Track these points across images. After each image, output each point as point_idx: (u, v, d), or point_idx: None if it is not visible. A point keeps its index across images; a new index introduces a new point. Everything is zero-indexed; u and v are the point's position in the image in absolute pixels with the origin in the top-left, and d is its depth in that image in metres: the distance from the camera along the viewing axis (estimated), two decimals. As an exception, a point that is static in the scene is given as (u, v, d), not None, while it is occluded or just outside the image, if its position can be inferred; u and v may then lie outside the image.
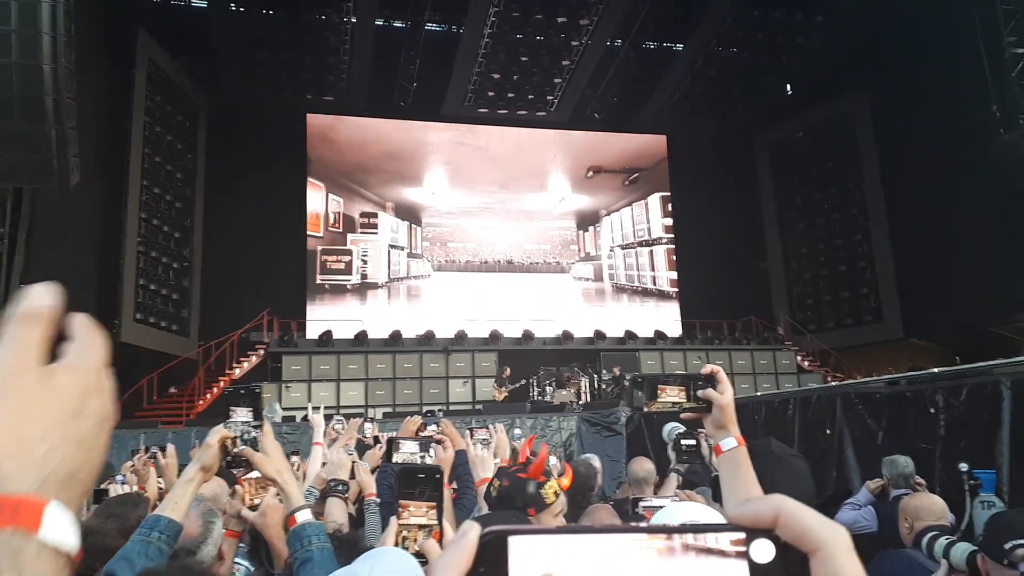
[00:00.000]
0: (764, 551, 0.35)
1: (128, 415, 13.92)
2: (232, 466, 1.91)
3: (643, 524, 0.37)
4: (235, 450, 1.86)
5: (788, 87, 21.50)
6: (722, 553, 0.36)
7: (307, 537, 1.77)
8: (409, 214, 20.19)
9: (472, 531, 0.36)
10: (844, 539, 0.35)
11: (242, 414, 1.91)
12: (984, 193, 15.60)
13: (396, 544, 1.48)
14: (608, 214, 21.64)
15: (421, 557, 1.42)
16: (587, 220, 21.51)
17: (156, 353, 15.68)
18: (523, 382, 15.60)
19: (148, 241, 15.69)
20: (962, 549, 2.72)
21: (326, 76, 18.02)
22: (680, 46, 19.32)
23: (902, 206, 18.44)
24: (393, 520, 1.51)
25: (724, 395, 1.72)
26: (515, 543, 0.36)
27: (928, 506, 3.47)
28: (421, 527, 1.51)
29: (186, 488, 1.85)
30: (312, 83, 18.33)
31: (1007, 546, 2.22)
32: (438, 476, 1.56)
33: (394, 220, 20.03)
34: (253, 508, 2.34)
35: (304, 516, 1.81)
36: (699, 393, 1.73)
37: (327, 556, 1.75)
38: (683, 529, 0.36)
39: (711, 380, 1.73)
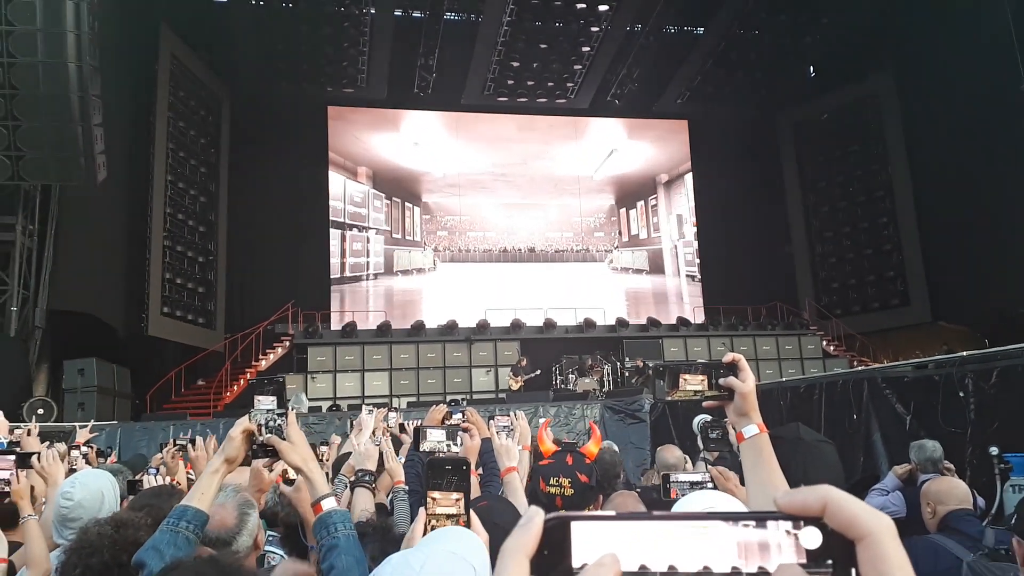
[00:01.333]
0: (812, 538, 0.36)
1: (157, 407, 14.15)
2: (258, 455, 1.93)
3: (697, 512, 0.39)
4: (260, 439, 1.89)
5: (811, 69, 21.21)
6: (772, 540, 0.37)
7: (333, 524, 1.79)
8: (418, 200, 20.24)
9: (537, 516, 0.38)
10: (890, 527, 0.36)
11: (266, 402, 1.93)
12: (1013, 174, 15.32)
13: (426, 534, 1.50)
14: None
15: None
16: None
17: (183, 346, 15.89)
18: (538, 372, 15.61)
19: (174, 235, 15.87)
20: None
21: (346, 68, 18.05)
22: (701, 30, 19.11)
23: (929, 188, 18.16)
24: (422, 511, 1.53)
25: (746, 383, 1.71)
26: (577, 528, 0.38)
27: (950, 490, 3.43)
28: (449, 517, 1.54)
29: (211, 479, 1.89)
30: (333, 75, 18.38)
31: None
32: (465, 467, 1.58)
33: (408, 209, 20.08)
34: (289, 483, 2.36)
35: (329, 504, 1.83)
36: (721, 381, 1.73)
37: (352, 543, 1.77)
38: (736, 516, 0.38)
39: (733, 368, 1.73)
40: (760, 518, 0.38)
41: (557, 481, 2.70)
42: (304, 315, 17.55)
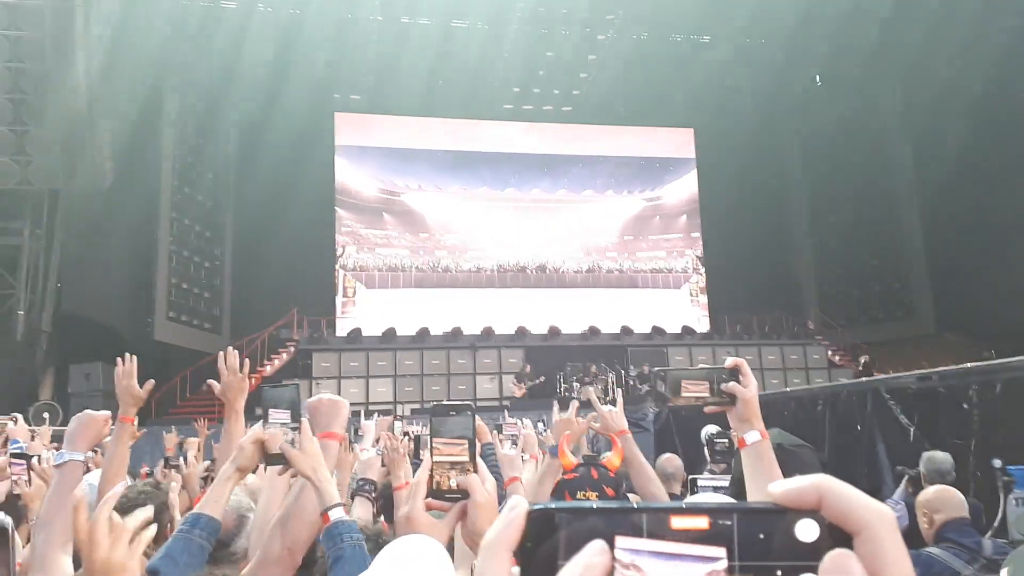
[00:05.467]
0: (809, 531, 0.35)
1: (163, 412, 14.17)
2: (271, 463, 1.94)
3: (686, 504, 0.38)
4: (271, 451, 1.90)
5: (817, 78, 21.21)
6: (767, 534, 0.36)
7: (339, 535, 1.78)
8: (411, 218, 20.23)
9: (521, 506, 0.37)
10: (889, 519, 0.35)
11: (280, 416, 1.94)
12: (1021, 182, 15.27)
13: (431, 484, 1.47)
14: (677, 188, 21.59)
15: (456, 492, 1.42)
16: (636, 204, 21.40)
17: (189, 351, 15.92)
18: (542, 379, 15.60)
19: (180, 240, 15.93)
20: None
21: (354, 74, 18.13)
22: (707, 38, 19.15)
23: (936, 198, 18.09)
24: (427, 459, 1.50)
25: (748, 388, 1.71)
26: (561, 519, 0.37)
27: (947, 498, 3.41)
28: (454, 465, 1.49)
29: (224, 486, 1.91)
30: (340, 80, 18.45)
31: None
32: (470, 412, 1.54)
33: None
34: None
35: (337, 514, 1.82)
36: (723, 387, 1.72)
37: (359, 553, 1.77)
38: (728, 509, 0.37)
39: (735, 373, 1.72)
40: (756, 512, 0.37)
41: (584, 495, 2.69)
42: (309, 320, 17.58)
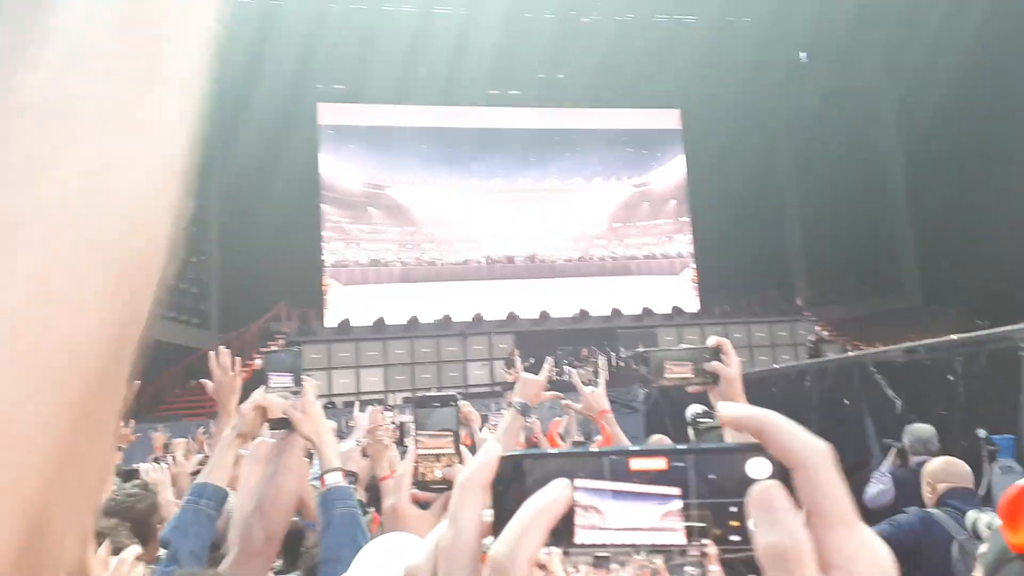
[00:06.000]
0: (760, 468, 0.36)
1: (152, 409, 14.12)
2: (275, 427, 1.94)
3: (652, 447, 0.39)
4: (274, 416, 1.89)
5: (802, 55, 21.14)
6: (721, 473, 0.37)
7: (332, 501, 1.78)
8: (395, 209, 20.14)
9: (494, 450, 0.39)
10: (823, 456, 0.35)
11: (282, 380, 1.92)
12: (1006, 158, 15.33)
13: (415, 475, 1.47)
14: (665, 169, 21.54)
15: (442, 483, 1.44)
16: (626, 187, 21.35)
17: (177, 346, 15.85)
18: (531, 361, 15.61)
19: (165, 235, 15.82)
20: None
21: (336, 64, 17.98)
22: (693, 18, 19.08)
23: (923, 173, 18.18)
24: (411, 450, 1.50)
25: (731, 368, 1.71)
26: (529, 464, 0.39)
27: (951, 469, 3.46)
28: (439, 457, 1.49)
29: (226, 452, 1.92)
30: (322, 71, 18.30)
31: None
32: (454, 404, 1.53)
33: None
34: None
35: (333, 479, 1.81)
36: (706, 366, 1.72)
37: (349, 520, 1.76)
38: (684, 450, 0.38)
39: (717, 353, 1.72)
40: (710, 451, 0.38)
41: None
42: (299, 312, 17.52)
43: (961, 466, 3.51)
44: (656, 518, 0.37)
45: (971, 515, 2.92)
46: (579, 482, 0.38)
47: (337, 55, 17.74)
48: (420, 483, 1.47)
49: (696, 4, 18.35)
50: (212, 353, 2.70)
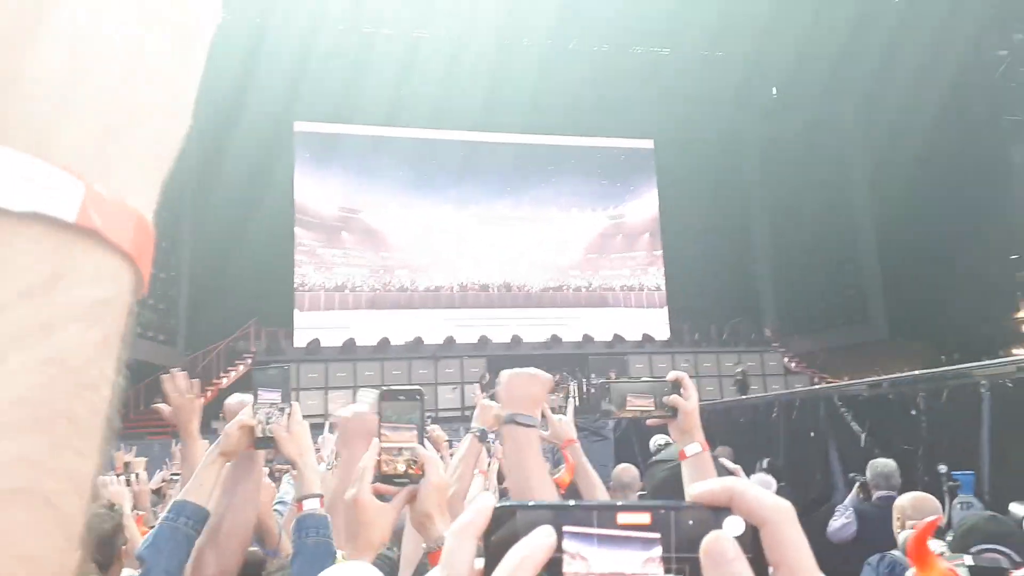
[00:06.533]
0: (735, 526, 0.39)
1: (116, 428, 13.81)
2: (260, 446, 1.89)
3: (633, 502, 0.41)
4: (260, 434, 1.84)
5: (774, 90, 21.57)
6: (699, 530, 0.40)
7: (304, 529, 1.75)
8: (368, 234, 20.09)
9: (488, 501, 0.41)
10: (788, 513, 0.39)
11: (270, 397, 1.88)
12: (969, 191, 15.70)
13: (378, 469, 1.46)
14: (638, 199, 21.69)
15: (404, 477, 1.43)
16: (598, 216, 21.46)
17: (144, 363, 15.57)
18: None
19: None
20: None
21: (316, 85, 17.98)
22: (667, 51, 19.40)
23: (890, 208, 18.50)
24: (375, 443, 1.48)
25: (689, 401, 1.74)
26: (523, 515, 0.40)
27: (920, 505, 3.50)
28: (401, 451, 1.48)
29: (208, 471, 1.85)
30: (302, 92, 18.28)
31: (972, 550, 2.25)
32: (418, 398, 1.52)
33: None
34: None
35: (310, 505, 1.78)
36: (664, 399, 1.76)
37: (321, 551, 1.72)
38: (668, 507, 0.40)
39: (677, 387, 1.76)
40: (690, 508, 0.40)
41: None
42: (267, 332, 17.34)
43: (931, 502, 3.56)
44: (639, 564, 0.39)
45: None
46: (567, 529, 0.40)
47: (318, 77, 17.73)
48: (383, 476, 1.46)
49: (671, 37, 18.66)
50: (166, 376, 2.62)
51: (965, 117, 15.44)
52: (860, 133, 19.57)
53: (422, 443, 1.48)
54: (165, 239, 16.76)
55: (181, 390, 2.63)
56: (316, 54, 17.19)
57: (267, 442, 1.85)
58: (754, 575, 0.38)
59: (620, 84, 19.73)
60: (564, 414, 3.13)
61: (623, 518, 0.40)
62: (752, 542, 0.39)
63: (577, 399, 15.23)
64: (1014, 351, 12.60)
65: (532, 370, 1.73)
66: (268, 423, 1.83)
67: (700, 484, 0.41)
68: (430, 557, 1.43)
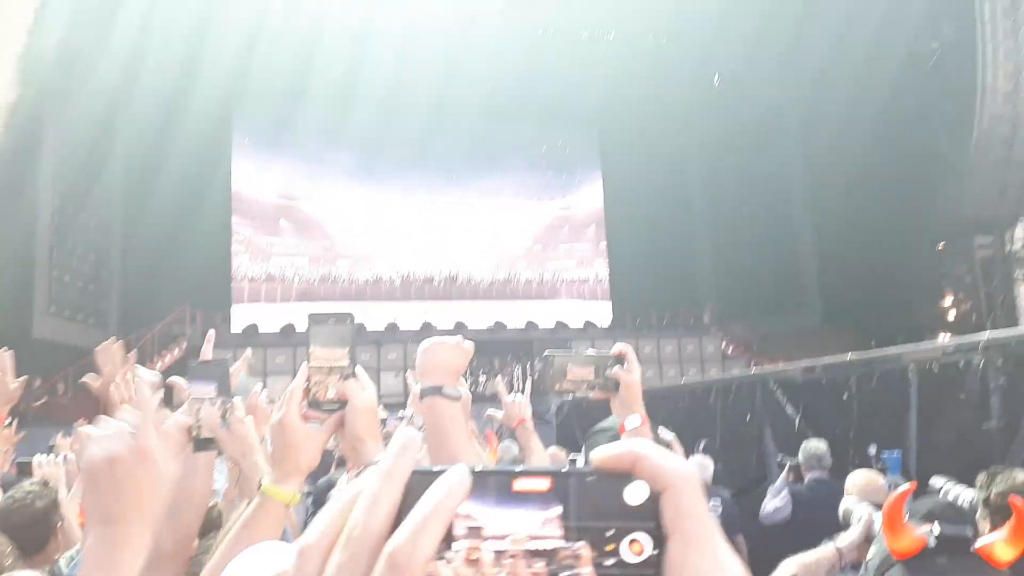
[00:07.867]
0: (638, 493, 0.38)
1: (46, 416, 13.33)
2: (200, 448, 1.74)
3: (533, 467, 0.40)
4: (196, 434, 1.70)
5: (716, 78, 21.79)
6: (601, 496, 0.38)
7: None
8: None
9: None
10: (688, 479, 0.37)
11: (204, 391, 1.72)
12: (906, 177, 16.13)
13: (308, 390, 1.39)
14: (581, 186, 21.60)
15: (335, 403, 1.37)
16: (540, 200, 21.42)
17: (75, 348, 15.03)
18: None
19: (62, 229, 15.02)
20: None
21: (257, 71, 17.50)
22: (612, 35, 19.46)
23: (827, 197, 18.96)
24: (304, 366, 1.41)
25: (631, 374, 1.74)
26: (416, 478, 0.39)
27: (866, 486, 3.54)
28: (332, 370, 1.41)
29: None
30: (243, 77, 17.78)
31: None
32: (350, 322, 1.42)
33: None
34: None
35: None
36: (607, 372, 1.75)
37: None
38: (567, 473, 0.39)
39: (620, 360, 1.75)
40: (591, 474, 0.39)
41: None
42: (202, 315, 16.90)
43: (877, 481, 3.61)
44: (537, 525, 0.38)
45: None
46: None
47: (260, 61, 17.22)
48: (312, 401, 1.39)
49: (615, 22, 18.72)
50: (100, 348, 2.49)
51: (899, 109, 15.86)
52: (800, 124, 19.98)
53: (354, 363, 1.41)
54: (94, 216, 16.17)
55: (116, 362, 2.50)
56: (259, 38, 16.71)
57: (207, 443, 1.73)
58: (658, 545, 0.37)
59: (565, 70, 19.68)
60: (520, 394, 3.12)
61: (520, 484, 0.38)
62: (656, 510, 0.37)
63: (522, 384, 15.32)
64: (940, 336, 13.07)
65: (454, 338, 1.64)
66: (200, 422, 1.68)
67: (602, 448, 0.39)
68: None
